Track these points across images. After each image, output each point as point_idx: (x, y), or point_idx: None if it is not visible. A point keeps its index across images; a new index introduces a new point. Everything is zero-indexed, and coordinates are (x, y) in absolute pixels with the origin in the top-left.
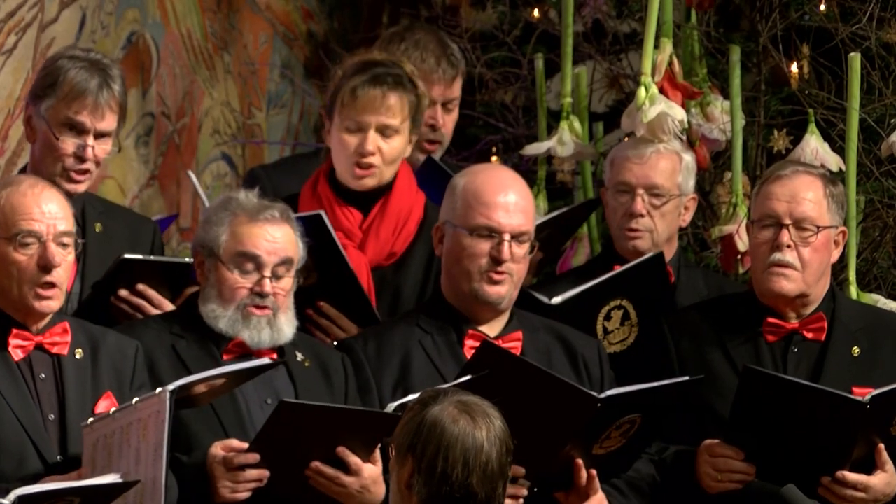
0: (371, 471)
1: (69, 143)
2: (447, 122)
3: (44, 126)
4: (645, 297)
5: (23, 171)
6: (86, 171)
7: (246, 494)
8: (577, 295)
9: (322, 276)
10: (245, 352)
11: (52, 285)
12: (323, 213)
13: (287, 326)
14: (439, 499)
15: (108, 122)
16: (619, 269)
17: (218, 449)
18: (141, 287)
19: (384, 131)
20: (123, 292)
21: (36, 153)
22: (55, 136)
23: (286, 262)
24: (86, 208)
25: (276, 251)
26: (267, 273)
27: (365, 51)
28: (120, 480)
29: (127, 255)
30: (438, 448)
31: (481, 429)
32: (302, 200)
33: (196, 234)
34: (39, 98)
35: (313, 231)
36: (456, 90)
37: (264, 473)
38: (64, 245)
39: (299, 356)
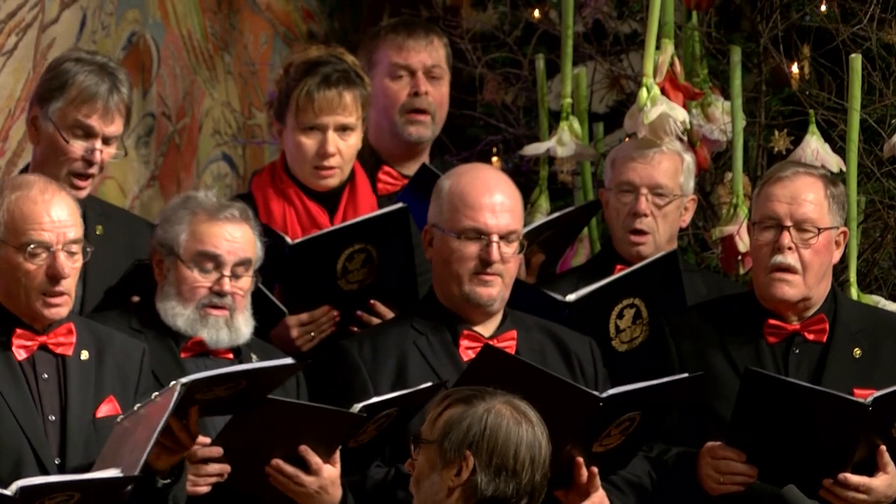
0: (330, 472)
1: (78, 147)
2: (433, 93)
3: (51, 129)
4: (658, 295)
5: (24, 171)
6: (90, 176)
7: (206, 488)
8: (591, 292)
9: (382, 275)
10: (203, 350)
11: (60, 293)
12: (406, 206)
13: (244, 327)
14: (504, 497)
15: (117, 127)
16: (633, 266)
17: None
18: None
19: (342, 130)
20: (135, 299)
21: (39, 155)
22: (65, 140)
23: (245, 263)
24: (87, 210)
25: (236, 251)
26: (226, 272)
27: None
28: (120, 475)
29: (143, 260)
30: (507, 447)
31: (537, 426)
32: (258, 195)
33: (155, 232)
34: (46, 100)
35: (392, 225)
36: (436, 57)
37: (225, 468)
38: (72, 253)
39: (254, 357)
